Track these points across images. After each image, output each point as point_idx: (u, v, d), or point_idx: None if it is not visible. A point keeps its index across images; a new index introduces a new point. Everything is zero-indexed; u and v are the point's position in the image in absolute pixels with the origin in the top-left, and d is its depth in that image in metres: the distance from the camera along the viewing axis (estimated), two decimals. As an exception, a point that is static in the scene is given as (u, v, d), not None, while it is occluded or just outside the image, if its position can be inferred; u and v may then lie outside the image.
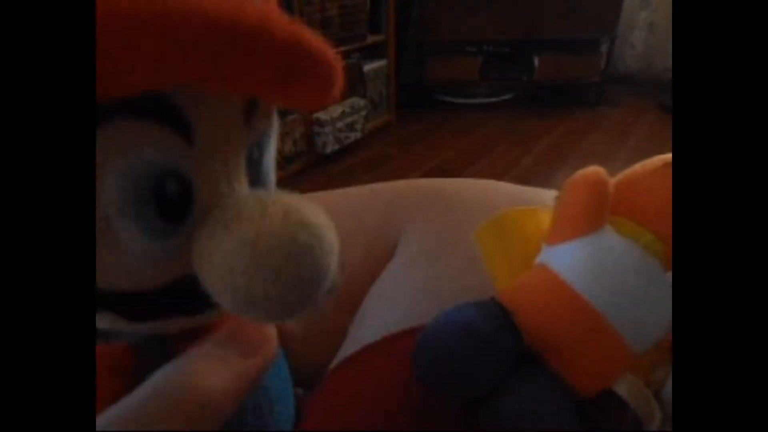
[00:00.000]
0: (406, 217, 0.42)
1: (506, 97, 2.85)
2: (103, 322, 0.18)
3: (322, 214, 0.18)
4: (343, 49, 2.07)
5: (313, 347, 0.37)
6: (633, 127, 2.52)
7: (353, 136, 2.10)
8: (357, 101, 2.10)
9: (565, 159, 2.19)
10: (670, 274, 0.27)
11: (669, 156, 0.28)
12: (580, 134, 2.44)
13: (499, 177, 2.03)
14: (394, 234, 0.42)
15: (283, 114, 1.86)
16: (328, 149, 1.96)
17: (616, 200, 0.28)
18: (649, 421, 0.25)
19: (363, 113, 2.12)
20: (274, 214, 0.17)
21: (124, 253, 0.17)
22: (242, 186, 0.19)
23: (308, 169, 1.98)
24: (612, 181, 0.29)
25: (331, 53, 0.17)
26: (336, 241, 0.18)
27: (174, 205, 0.17)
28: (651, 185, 0.27)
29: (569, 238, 0.27)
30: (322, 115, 1.91)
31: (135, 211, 0.16)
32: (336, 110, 1.96)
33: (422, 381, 0.25)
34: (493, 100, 2.82)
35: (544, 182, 1.98)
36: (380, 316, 0.36)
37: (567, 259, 0.26)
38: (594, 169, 0.28)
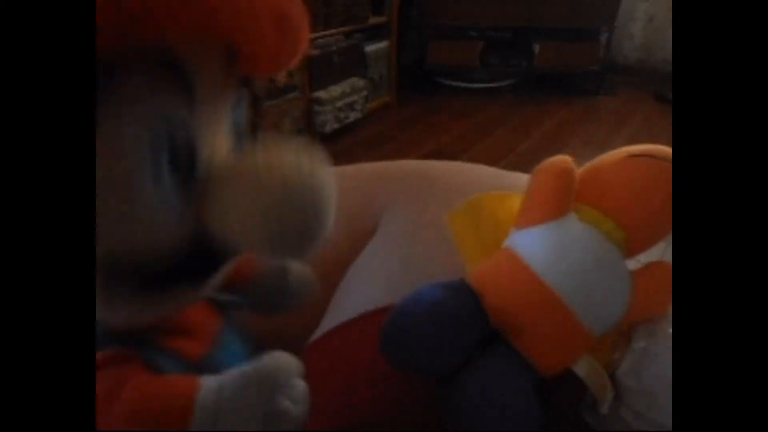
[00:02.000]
0: (389, 197, 0.42)
1: (506, 83, 2.81)
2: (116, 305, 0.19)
3: (316, 163, 0.20)
4: (345, 29, 2.02)
5: (294, 322, 0.36)
6: (629, 117, 2.49)
7: (353, 115, 2.06)
8: (357, 81, 2.06)
9: (562, 146, 2.16)
10: (638, 259, 0.29)
11: (633, 148, 0.29)
12: (578, 122, 2.41)
13: (495, 162, 2.01)
14: (376, 213, 0.42)
15: (283, 92, 1.83)
16: (328, 128, 1.93)
17: (582, 189, 0.28)
18: (603, 400, 0.26)
19: (363, 93, 2.08)
20: (275, 164, 0.19)
21: (143, 207, 0.17)
22: (228, 140, 0.21)
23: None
24: (579, 170, 0.29)
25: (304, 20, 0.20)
26: (331, 184, 0.20)
27: (183, 155, 0.18)
28: (614, 176, 0.28)
29: (535, 224, 0.27)
30: (322, 94, 1.87)
31: (152, 158, 0.17)
32: (336, 90, 1.92)
33: (390, 359, 0.26)
34: (493, 85, 2.78)
35: (540, 168, 1.95)
36: (359, 293, 0.36)
37: (532, 244, 0.27)
38: (561, 158, 0.29)
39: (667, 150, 0.28)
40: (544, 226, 0.26)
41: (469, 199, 0.32)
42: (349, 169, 0.47)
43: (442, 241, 0.36)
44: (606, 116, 2.50)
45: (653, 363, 0.26)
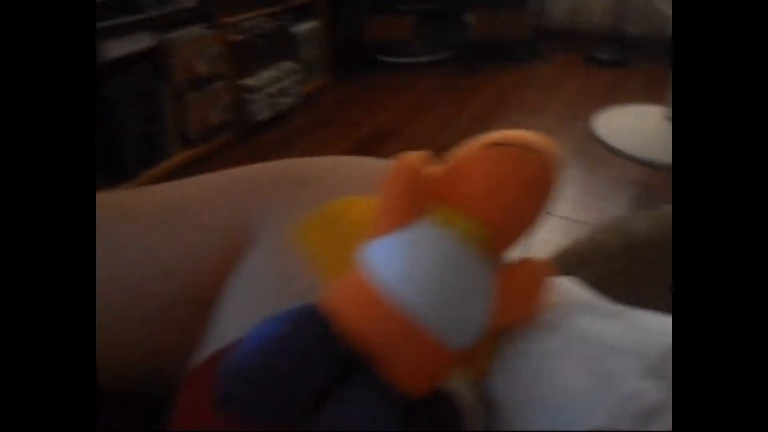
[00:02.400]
0: (263, 205, 0.37)
1: (443, 56, 2.79)
2: None
3: None
4: (269, 10, 1.95)
5: (164, 353, 0.33)
6: (563, 81, 2.52)
7: (287, 101, 2.00)
8: (288, 65, 1.99)
9: (500, 114, 2.18)
10: (500, 258, 0.26)
11: (488, 136, 0.27)
12: (514, 90, 2.43)
13: (437, 135, 2.00)
14: (251, 224, 0.37)
15: (206, 82, 1.74)
16: (261, 117, 1.87)
17: (442, 187, 0.25)
18: (473, 417, 0.25)
19: (296, 77, 2.02)
20: None
21: None
22: None
23: (239, 139, 1.88)
24: (440, 166, 0.27)
25: None
26: None
27: None
28: (472, 169, 0.25)
29: (385, 232, 0.24)
30: (250, 81, 1.80)
31: None
32: (265, 75, 1.85)
33: (230, 406, 0.22)
34: (430, 59, 2.76)
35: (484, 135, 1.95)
36: (233, 318, 0.32)
37: (381, 256, 0.24)
38: (407, 157, 0.25)
39: (521, 136, 0.26)
40: (394, 235, 0.24)
41: (320, 208, 0.29)
42: (215, 177, 0.41)
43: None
44: (541, 81, 2.52)
45: (523, 372, 0.25)
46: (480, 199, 0.24)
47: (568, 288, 0.28)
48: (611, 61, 2.67)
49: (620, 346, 0.23)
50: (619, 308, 0.25)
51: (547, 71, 2.64)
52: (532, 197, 0.25)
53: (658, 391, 0.20)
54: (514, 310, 0.25)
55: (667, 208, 0.40)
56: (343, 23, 2.62)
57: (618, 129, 1.94)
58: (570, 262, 0.39)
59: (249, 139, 1.91)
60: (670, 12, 1.66)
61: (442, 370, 0.24)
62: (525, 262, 0.26)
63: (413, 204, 0.24)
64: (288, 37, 2.05)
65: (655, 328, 0.23)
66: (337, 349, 0.23)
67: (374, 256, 0.24)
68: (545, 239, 1.44)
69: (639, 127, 1.93)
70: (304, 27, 2.16)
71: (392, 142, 1.96)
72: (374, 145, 1.94)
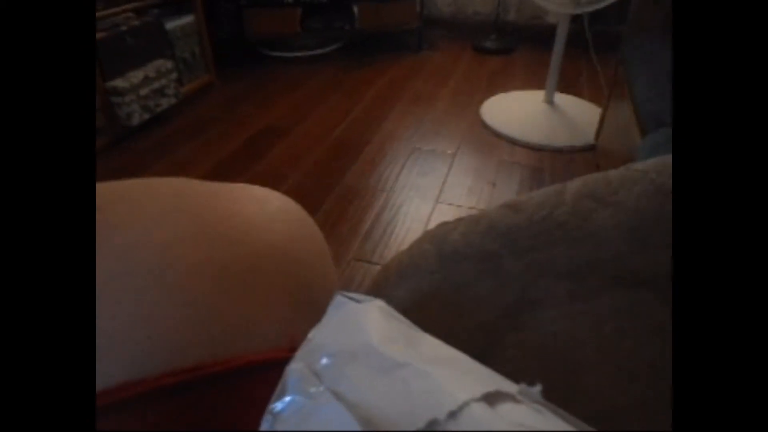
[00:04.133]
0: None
1: (332, 48, 2.71)
2: None
3: None
4: (138, 5, 1.77)
5: None
6: (452, 68, 2.55)
7: (165, 102, 1.84)
8: (163, 63, 1.83)
9: (393, 104, 2.15)
10: None
11: None
12: (406, 79, 2.41)
13: (333, 128, 1.94)
14: None
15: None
16: (135, 120, 1.70)
17: None
18: None
19: (173, 76, 1.86)
20: None
21: None
22: None
23: (113, 145, 1.70)
24: None
25: None
26: None
27: None
28: None
29: None
30: (119, 83, 1.63)
31: None
32: (136, 75, 1.68)
33: None
34: (319, 51, 2.67)
35: (376, 129, 1.92)
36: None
37: None
38: None
39: None
40: None
41: None
42: None
43: (149, 277, 0.27)
44: (431, 70, 2.53)
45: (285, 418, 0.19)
46: None
47: (365, 318, 0.23)
48: (496, 49, 2.74)
49: (374, 416, 0.19)
50: (398, 359, 0.20)
51: (437, 59, 2.66)
52: None
53: None
54: None
55: (486, 213, 0.36)
56: (222, 18, 2.47)
57: (503, 114, 1.98)
58: (391, 278, 0.36)
59: (124, 145, 1.74)
60: (541, 1, 1.70)
61: None
62: None
63: None
64: (161, 34, 1.88)
65: (422, 394, 0.19)
66: None
67: None
68: (440, 228, 1.43)
69: (521, 111, 1.99)
70: (178, 22, 2.00)
71: (283, 138, 1.87)
72: (264, 141, 1.84)
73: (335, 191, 1.56)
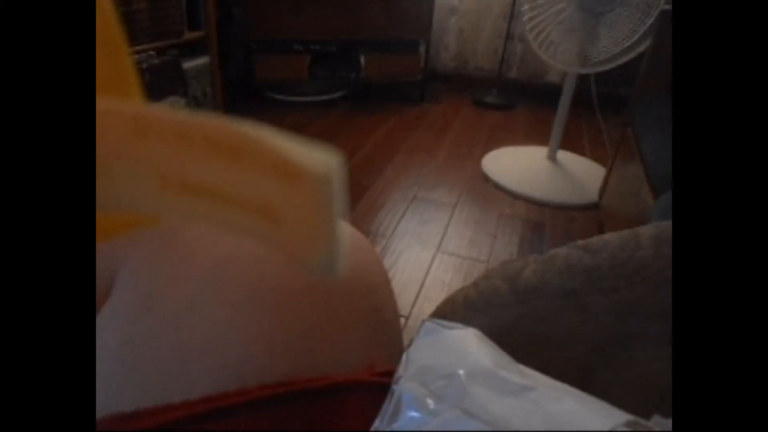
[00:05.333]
0: (122, 254, 0.32)
1: (336, 94, 2.76)
2: None
3: None
4: (157, 45, 1.81)
5: None
6: (452, 121, 2.59)
7: (172, 138, 1.84)
8: (176, 100, 1.85)
9: (395, 152, 2.17)
10: None
11: None
12: (407, 129, 2.44)
13: (332, 174, 1.93)
14: (108, 275, 0.31)
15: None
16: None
17: None
18: None
19: (183, 113, 1.87)
20: None
21: None
22: None
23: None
24: None
25: None
26: None
27: None
28: None
29: None
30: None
31: None
32: (147, 111, 1.69)
33: None
34: (324, 98, 2.72)
35: (377, 175, 1.93)
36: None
37: None
38: None
39: None
40: None
41: None
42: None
43: (185, 305, 0.28)
44: (432, 121, 2.57)
45: None
46: None
47: (466, 344, 0.23)
48: (497, 104, 2.80)
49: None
50: (522, 382, 0.21)
51: (437, 112, 2.71)
52: None
53: None
54: None
55: (556, 252, 0.37)
56: (235, 61, 2.52)
57: (505, 168, 2.00)
58: (459, 311, 0.37)
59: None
60: (548, 59, 1.75)
61: None
62: None
63: None
64: (178, 73, 1.91)
65: (562, 415, 0.20)
66: None
67: None
68: (439, 278, 1.42)
69: (524, 166, 2.01)
70: (194, 63, 2.04)
71: (286, 181, 1.87)
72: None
73: (337, 235, 1.55)
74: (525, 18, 1.64)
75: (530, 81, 2.94)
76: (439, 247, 1.53)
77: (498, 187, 1.89)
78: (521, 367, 0.23)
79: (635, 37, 1.46)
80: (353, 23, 2.51)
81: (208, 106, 2.19)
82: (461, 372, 0.21)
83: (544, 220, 1.71)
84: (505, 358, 0.23)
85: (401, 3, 2.51)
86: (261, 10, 2.40)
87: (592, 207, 1.76)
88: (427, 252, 1.50)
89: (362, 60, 2.58)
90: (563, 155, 2.06)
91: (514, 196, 1.83)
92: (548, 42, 1.66)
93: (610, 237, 0.34)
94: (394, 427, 0.20)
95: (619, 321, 0.30)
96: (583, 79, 1.85)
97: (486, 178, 1.95)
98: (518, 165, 2.01)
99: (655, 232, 0.33)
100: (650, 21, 1.40)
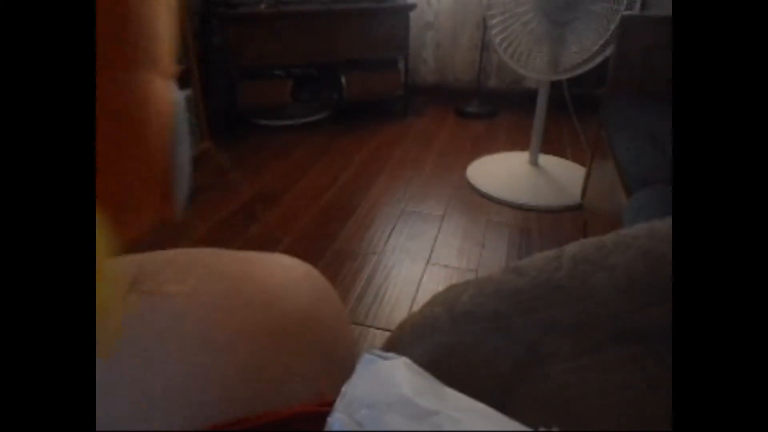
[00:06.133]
0: None
1: (321, 116, 2.80)
2: None
3: None
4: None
5: None
6: (436, 133, 2.63)
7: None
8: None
9: (381, 168, 2.20)
10: None
11: None
12: (392, 144, 2.48)
13: (322, 193, 1.97)
14: None
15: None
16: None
17: None
18: None
19: (168, 146, 1.90)
20: None
21: None
22: None
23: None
24: None
25: None
26: None
27: None
28: None
29: None
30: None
31: None
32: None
33: None
34: (308, 120, 2.76)
35: (365, 192, 1.95)
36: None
37: None
38: None
39: None
40: None
41: None
42: None
43: (134, 369, 0.30)
44: (416, 135, 2.61)
45: None
46: None
47: (394, 373, 0.26)
48: (479, 113, 2.84)
49: None
50: (431, 408, 0.24)
51: (421, 125, 2.74)
52: None
53: None
54: None
55: (491, 276, 0.40)
56: (218, 90, 2.56)
57: (489, 176, 2.03)
58: (406, 337, 0.40)
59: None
60: (519, 69, 1.79)
61: None
62: None
63: None
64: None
65: None
66: None
67: None
68: (431, 290, 1.44)
69: (507, 172, 2.04)
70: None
71: (275, 203, 1.90)
72: (257, 206, 1.86)
73: (327, 254, 1.57)
74: (494, 31, 1.69)
75: (509, 88, 2.99)
76: (428, 259, 1.55)
77: (483, 196, 1.92)
78: (446, 390, 0.26)
79: (600, 42, 1.51)
80: (331, 46, 2.55)
81: (194, 136, 2.22)
82: (382, 401, 0.23)
83: (530, 224, 1.73)
84: (427, 384, 0.26)
85: (377, 22, 2.56)
86: (240, 38, 2.44)
87: (577, 208, 1.79)
88: (417, 265, 1.52)
89: (343, 80, 2.62)
90: (545, 159, 2.09)
91: (500, 203, 1.87)
92: (519, 52, 1.71)
93: (537, 258, 0.37)
94: None
95: (537, 339, 0.32)
96: (558, 84, 1.90)
97: (472, 187, 1.98)
98: (502, 172, 2.05)
99: (576, 250, 0.35)
100: (613, 26, 1.45)
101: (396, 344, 0.37)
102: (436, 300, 0.40)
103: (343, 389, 0.25)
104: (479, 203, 1.88)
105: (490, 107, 2.88)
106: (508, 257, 1.56)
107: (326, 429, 0.23)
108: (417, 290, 1.42)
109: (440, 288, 1.50)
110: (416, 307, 1.37)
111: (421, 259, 1.55)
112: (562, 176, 1.99)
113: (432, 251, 1.59)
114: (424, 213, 1.82)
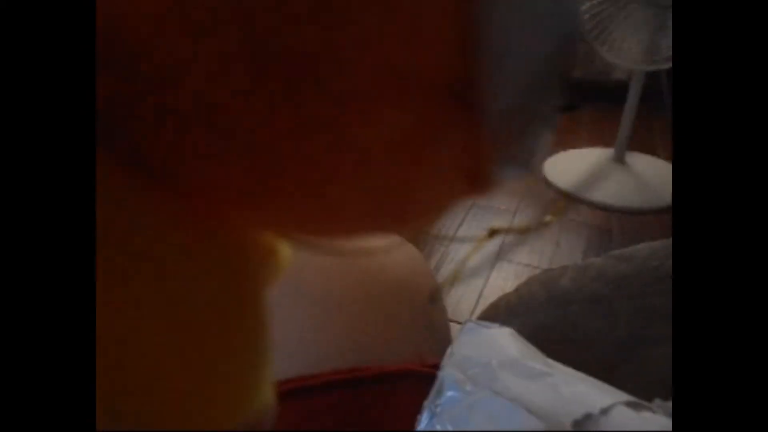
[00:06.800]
0: None
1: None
2: None
3: None
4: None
5: None
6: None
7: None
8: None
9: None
10: None
11: None
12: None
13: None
14: None
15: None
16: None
17: None
18: None
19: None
20: None
21: None
22: None
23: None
24: None
25: None
26: None
27: None
28: None
29: None
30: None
31: None
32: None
33: None
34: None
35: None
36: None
37: None
38: None
39: None
40: None
41: None
42: None
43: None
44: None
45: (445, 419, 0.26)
46: None
47: (500, 340, 0.28)
48: (561, 106, 2.70)
49: (533, 408, 0.23)
50: (543, 369, 0.25)
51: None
52: None
53: None
54: None
55: (592, 261, 0.41)
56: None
57: (568, 173, 1.92)
58: (501, 314, 0.41)
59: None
60: (611, 58, 1.67)
61: None
62: None
63: None
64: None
65: (573, 395, 0.24)
66: None
67: None
68: (498, 285, 1.38)
69: (588, 170, 1.92)
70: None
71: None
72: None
73: (394, 243, 1.55)
74: (586, 16, 1.58)
75: (595, 79, 2.82)
76: (498, 254, 1.49)
77: (561, 192, 1.82)
78: (548, 359, 0.27)
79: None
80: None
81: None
82: (493, 361, 0.25)
83: (611, 225, 1.62)
84: (532, 351, 0.27)
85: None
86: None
87: (666, 211, 1.65)
88: (485, 260, 1.46)
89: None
90: (633, 157, 1.95)
91: (577, 201, 1.76)
92: (612, 39, 1.59)
93: (642, 246, 0.38)
94: (437, 403, 0.24)
95: (643, 324, 0.33)
96: (652, 75, 1.75)
97: (548, 183, 1.89)
98: (582, 169, 1.93)
99: None
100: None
101: (490, 320, 0.39)
102: (532, 281, 0.42)
103: (449, 350, 0.26)
104: (555, 200, 1.79)
105: (571, 99, 2.73)
106: (584, 257, 1.46)
107: (438, 382, 0.25)
108: (484, 285, 1.36)
109: (509, 285, 1.44)
110: (483, 303, 1.31)
111: (489, 254, 1.49)
112: (651, 176, 1.85)
113: (501, 246, 1.52)
114: (496, 207, 1.75)
